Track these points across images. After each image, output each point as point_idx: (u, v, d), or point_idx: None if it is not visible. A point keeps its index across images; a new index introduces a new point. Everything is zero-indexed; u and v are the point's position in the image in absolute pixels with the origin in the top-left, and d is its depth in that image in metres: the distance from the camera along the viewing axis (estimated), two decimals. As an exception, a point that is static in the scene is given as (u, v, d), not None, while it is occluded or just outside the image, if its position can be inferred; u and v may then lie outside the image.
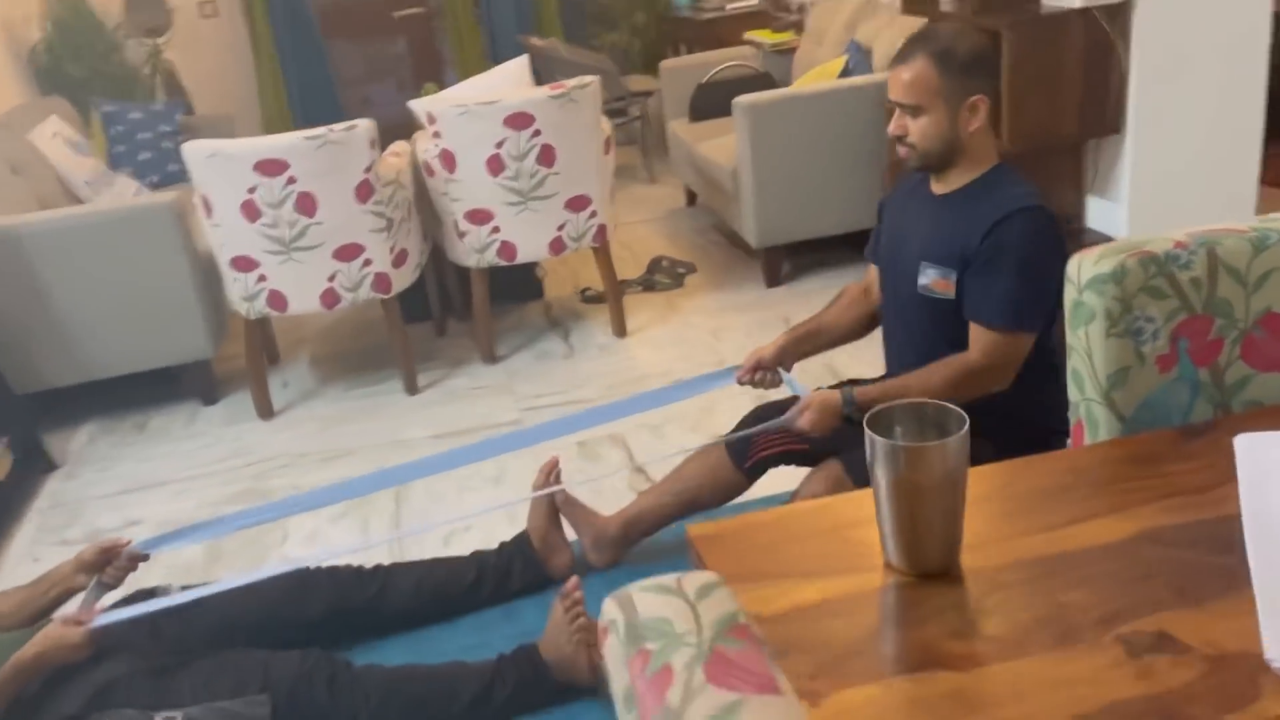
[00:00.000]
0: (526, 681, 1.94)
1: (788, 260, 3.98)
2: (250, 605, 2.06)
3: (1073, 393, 1.11)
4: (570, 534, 2.37)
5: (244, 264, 3.19)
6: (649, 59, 6.52)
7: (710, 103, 4.71)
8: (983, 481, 1.01)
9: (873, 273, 2.22)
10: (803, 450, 2.19)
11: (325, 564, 2.22)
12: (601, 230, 3.54)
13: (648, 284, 4.08)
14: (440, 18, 6.46)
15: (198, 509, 2.90)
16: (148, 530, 2.80)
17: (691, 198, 5.15)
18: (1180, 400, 1.05)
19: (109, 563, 1.94)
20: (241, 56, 5.99)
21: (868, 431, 0.87)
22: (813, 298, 3.78)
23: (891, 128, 1.95)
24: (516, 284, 4.05)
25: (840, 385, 2.06)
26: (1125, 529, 0.93)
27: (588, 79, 3.36)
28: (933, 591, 0.87)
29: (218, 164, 3.05)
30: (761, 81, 4.71)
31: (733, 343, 3.52)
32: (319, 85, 6.13)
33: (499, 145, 3.29)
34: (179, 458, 3.21)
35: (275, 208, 3.10)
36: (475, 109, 3.24)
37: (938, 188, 1.99)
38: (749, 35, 5.05)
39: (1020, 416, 2.01)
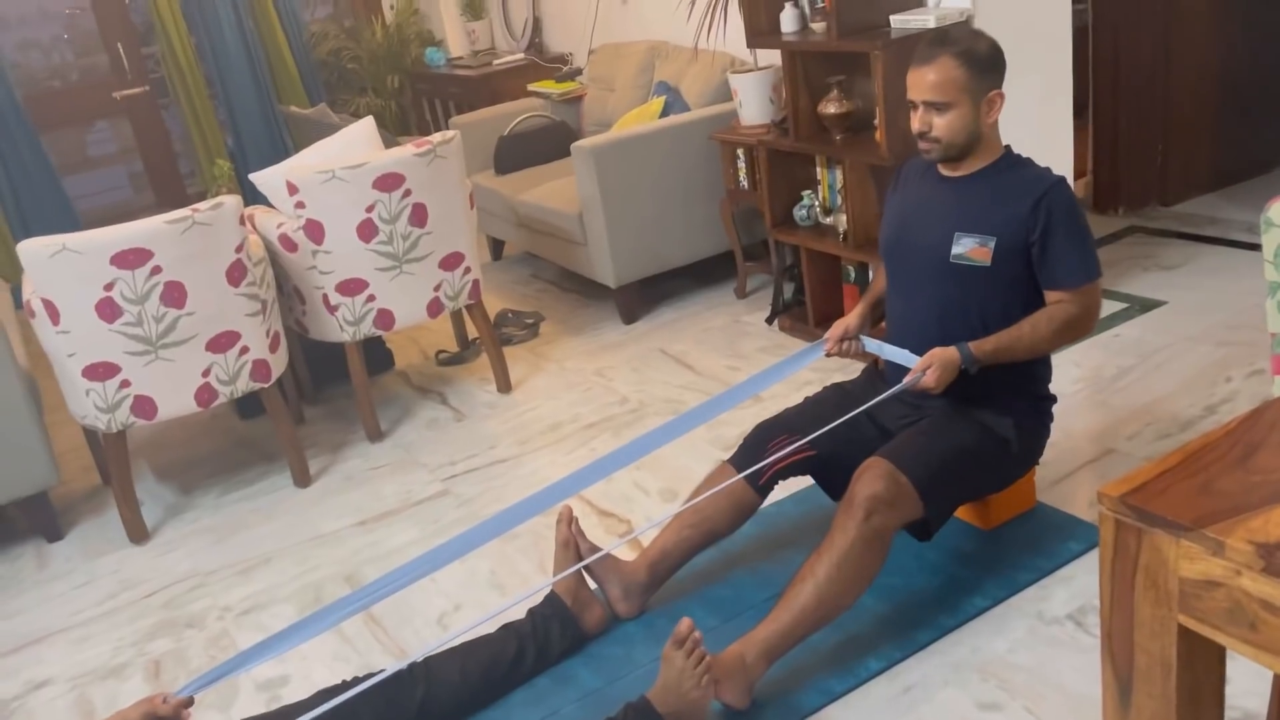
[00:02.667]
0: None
1: (638, 296, 4.05)
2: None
3: (1281, 325, 1.27)
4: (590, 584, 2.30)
5: (101, 371, 2.81)
6: (404, 120, 6.42)
7: (515, 154, 4.72)
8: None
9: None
10: (811, 457, 2.27)
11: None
12: (476, 286, 3.44)
13: (503, 339, 3.99)
14: (167, 95, 5.99)
15: (115, 652, 2.50)
16: (62, 689, 2.39)
17: (497, 251, 5.11)
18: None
19: None
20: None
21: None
22: (675, 327, 3.90)
23: (916, 124, 2.10)
24: (367, 357, 3.83)
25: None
26: None
27: (450, 133, 3.27)
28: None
29: (65, 261, 2.67)
30: (560, 130, 4.80)
31: (623, 379, 3.54)
32: (36, 179, 5.47)
33: (370, 210, 3.13)
34: (53, 605, 2.75)
35: (138, 303, 2.76)
36: (342, 174, 3.06)
37: (953, 171, 2.18)
38: (534, 87, 5.10)
39: (1028, 390, 2.23)
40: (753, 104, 3.67)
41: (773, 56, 3.60)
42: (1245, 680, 1.76)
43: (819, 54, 3.30)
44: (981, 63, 2.06)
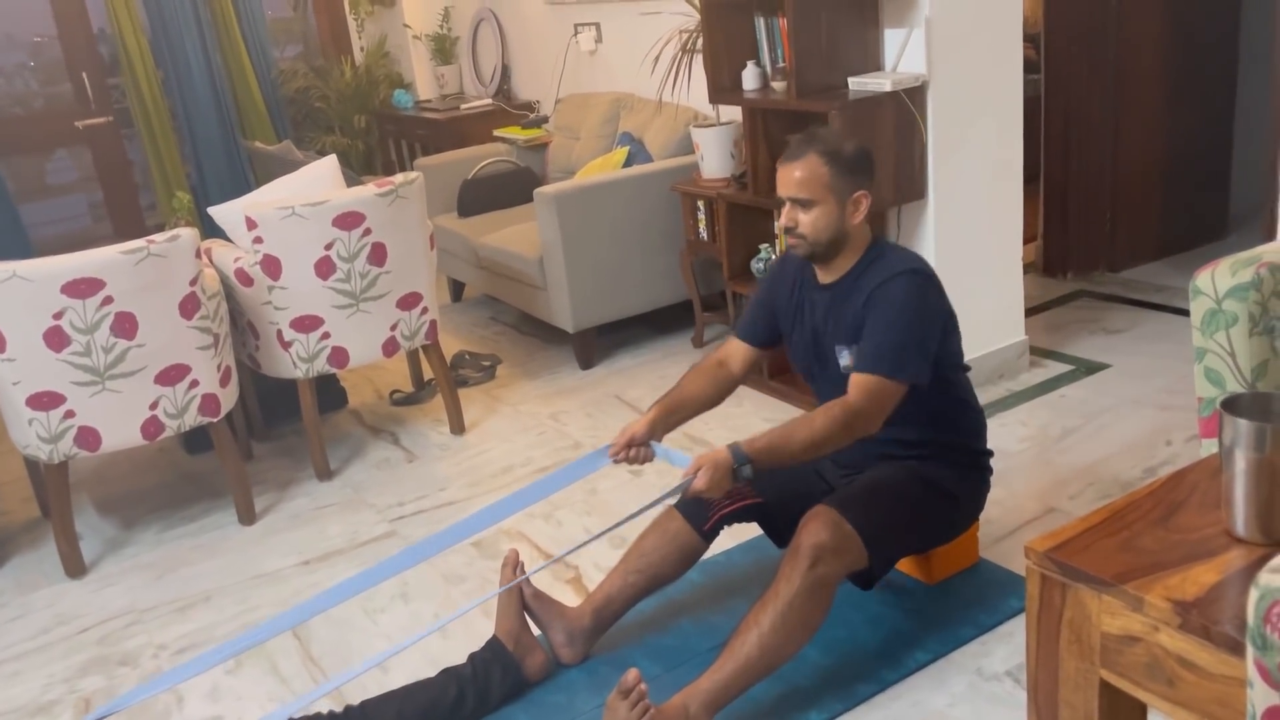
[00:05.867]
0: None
1: (596, 342, 4.06)
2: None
3: (1209, 390, 1.31)
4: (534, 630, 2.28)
5: (46, 400, 2.76)
6: (370, 160, 6.43)
7: (479, 197, 4.74)
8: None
9: (730, 345, 2.35)
10: (758, 503, 2.28)
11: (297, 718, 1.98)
12: (433, 327, 3.44)
13: (459, 380, 3.99)
14: (131, 126, 5.96)
15: (45, 689, 2.44)
16: (-14, 729, 2.32)
17: (458, 292, 5.12)
18: (1296, 384, 1.29)
19: None
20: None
21: (1228, 417, 0.99)
22: (631, 374, 3.91)
23: (783, 220, 2.13)
24: (320, 395, 3.80)
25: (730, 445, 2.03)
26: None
27: (412, 174, 3.29)
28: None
29: (15, 288, 2.64)
30: (524, 175, 4.83)
31: (576, 425, 3.54)
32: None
33: (328, 247, 3.13)
34: (-17, 639, 2.68)
35: (87, 333, 2.74)
36: (302, 210, 3.07)
37: (824, 277, 2.19)
38: (500, 132, 5.14)
39: (964, 446, 2.26)
40: (714, 158, 3.73)
41: (734, 112, 3.67)
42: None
43: (779, 112, 3.37)
44: (847, 163, 2.08)
